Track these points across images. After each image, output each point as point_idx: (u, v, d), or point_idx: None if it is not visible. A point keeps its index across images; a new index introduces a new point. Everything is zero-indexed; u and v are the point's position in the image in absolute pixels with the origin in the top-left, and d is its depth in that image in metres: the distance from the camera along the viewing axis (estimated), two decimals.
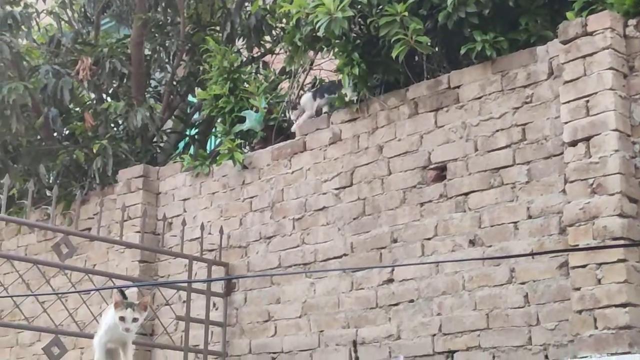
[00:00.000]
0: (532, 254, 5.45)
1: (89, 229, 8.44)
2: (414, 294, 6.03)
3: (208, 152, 8.83)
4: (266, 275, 6.93)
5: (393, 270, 6.18)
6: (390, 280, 6.19)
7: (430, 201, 6.11)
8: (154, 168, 8.22)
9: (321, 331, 6.50)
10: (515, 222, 5.64)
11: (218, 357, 7.04)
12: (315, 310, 6.58)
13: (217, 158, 7.62)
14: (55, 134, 9.58)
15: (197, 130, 10.03)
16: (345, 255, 6.50)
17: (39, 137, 9.48)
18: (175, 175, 7.98)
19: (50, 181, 9.28)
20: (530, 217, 5.57)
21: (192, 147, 9.86)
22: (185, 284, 6.96)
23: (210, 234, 7.44)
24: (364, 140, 6.63)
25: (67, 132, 9.76)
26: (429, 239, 6.05)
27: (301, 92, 7.75)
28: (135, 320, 4.16)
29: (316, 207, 6.80)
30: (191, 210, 7.74)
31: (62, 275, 7.23)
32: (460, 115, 6.09)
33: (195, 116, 10.20)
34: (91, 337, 7.08)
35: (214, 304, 7.24)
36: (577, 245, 5.11)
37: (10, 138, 9.08)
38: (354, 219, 6.52)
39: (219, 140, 8.75)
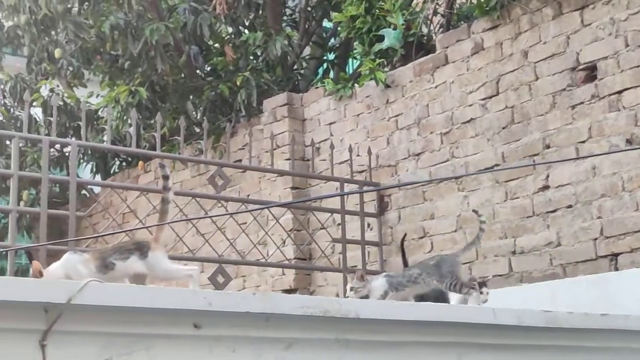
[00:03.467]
0: None
1: (240, 160, 8.61)
2: (572, 199, 5.90)
3: (348, 74, 8.82)
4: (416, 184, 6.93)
5: (548, 176, 6.06)
6: (546, 187, 6.07)
7: (582, 103, 5.93)
8: (297, 95, 8.29)
9: None
10: None
11: None
12: (470, 223, 6.52)
13: (359, 79, 7.60)
14: (197, 71, 9.76)
15: (335, 54, 10.02)
16: (496, 165, 6.41)
17: (183, 75, 9.68)
18: (318, 101, 8.02)
19: (198, 117, 9.50)
20: None
21: (331, 71, 9.87)
22: (339, 207, 7.01)
23: (358, 155, 7.48)
24: (507, 47, 6.47)
25: (208, 67, 9.93)
26: (583, 142, 5.89)
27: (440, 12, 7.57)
28: None
29: (463, 120, 6.72)
30: (337, 134, 7.77)
31: (219, 207, 7.41)
32: (607, 11, 5.85)
33: (332, 40, 10.19)
34: (252, 264, 7.31)
35: (369, 224, 7.29)
36: None
37: (157, 78, 9.31)
38: (503, 128, 6.41)
39: (358, 61, 8.71)
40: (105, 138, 10.37)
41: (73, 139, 11.03)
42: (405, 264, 5.16)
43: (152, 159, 9.53)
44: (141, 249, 3.88)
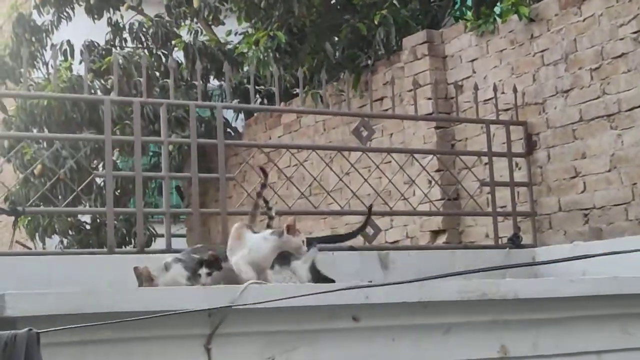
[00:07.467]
0: None
1: (381, 99, 8.53)
2: None
3: (487, 3, 8.53)
4: None
5: None
6: None
7: None
8: (437, 32, 8.09)
9: (634, 184, 6.22)
10: None
11: (527, 217, 6.95)
12: (625, 162, 6.29)
13: (502, 15, 7.35)
14: (333, 4, 9.67)
15: None
16: None
17: (319, 15, 9.62)
18: (459, 37, 7.82)
19: (337, 56, 9.42)
20: None
21: None
22: (486, 150, 6.86)
23: (503, 93, 7.26)
24: None
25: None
26: None
27: None
28: None
29: (614, 55, 6.42)
30: (480, 71, 7.57)
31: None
32: None
33: None
34: (400, 214, 7.22)
35: (517, 164, 7.09)
36: None
37: (294, 21, 9.29)
38: None
39: None
40: (245, 76, 10.49)
41: (215, 81, 11.28)
42: None
43: (293, 98, 9.58)
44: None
